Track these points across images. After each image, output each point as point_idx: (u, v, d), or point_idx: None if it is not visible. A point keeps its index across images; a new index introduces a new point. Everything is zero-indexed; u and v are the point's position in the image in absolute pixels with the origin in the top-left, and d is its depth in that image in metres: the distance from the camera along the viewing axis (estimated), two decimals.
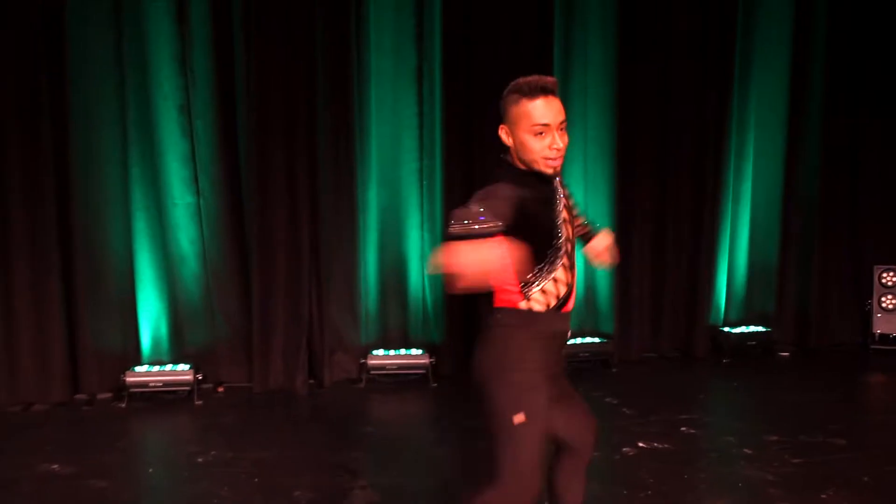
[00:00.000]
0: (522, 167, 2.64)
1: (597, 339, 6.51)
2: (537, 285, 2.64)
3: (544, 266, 2.63)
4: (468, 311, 6.23)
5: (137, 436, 5.03)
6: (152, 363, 5.74)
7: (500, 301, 2.68)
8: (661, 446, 4.58)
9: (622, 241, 5.96)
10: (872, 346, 7.06)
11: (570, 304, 2.74)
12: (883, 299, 7.03)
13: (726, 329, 6.88)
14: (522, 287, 2.64)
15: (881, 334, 7.04)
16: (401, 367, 6.05)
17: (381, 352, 6.11)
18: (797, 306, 7.19)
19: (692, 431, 4.90)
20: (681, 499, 3.88)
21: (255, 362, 5.86)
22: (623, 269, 6.43)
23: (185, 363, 5.73)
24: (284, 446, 4.67)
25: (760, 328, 6.98)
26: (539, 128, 2.56)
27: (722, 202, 6.85)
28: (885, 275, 7.03)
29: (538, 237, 2.61)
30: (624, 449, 4.54)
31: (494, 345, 2.68)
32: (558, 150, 2.59)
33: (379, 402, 5.75)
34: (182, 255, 5.84)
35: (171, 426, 5.28)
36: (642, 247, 6.71)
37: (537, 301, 2.64)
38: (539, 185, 2.65)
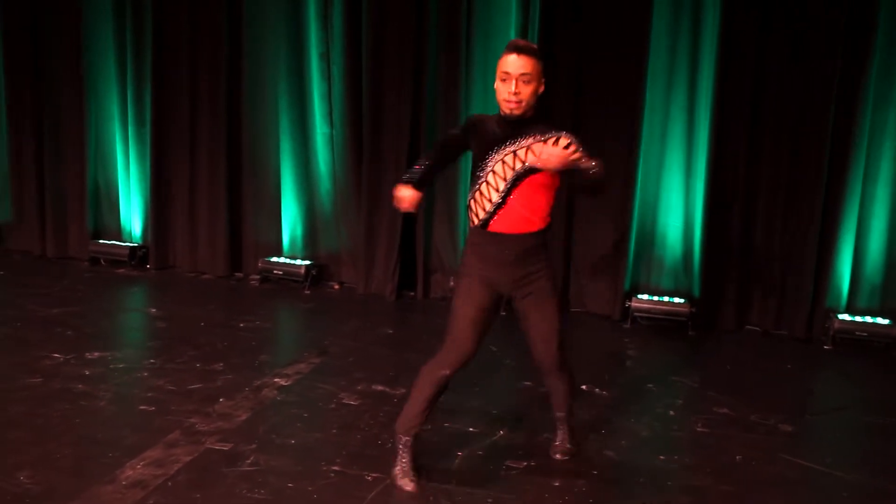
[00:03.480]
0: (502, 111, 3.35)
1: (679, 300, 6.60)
2: (470, 196, 3.45)
3: (474, 184, 3.43)
4: None
5: (224, 302, 6.60)
6: (290, 257, 7.34)
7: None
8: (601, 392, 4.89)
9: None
10: None
11: (500, 228, 3.35)
12: None
13: (840, 316, 6.41)
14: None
15: None
16: None
17: None
18: None
19: (651, 387, 5.09)
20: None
21: (361, 269, 7.15)
22: (722, 239, 6.51)
23: (311, 261, 7.24)
24: (298, 328, 5.94)
25: (885, 321, 6.35)
26: (503, 75, 3.26)
27: (847, 184, 6.30)
28: None
29: (476, 160, 3.42)
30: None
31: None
32: (514, 94, 3.22)
33: (423, 317, 6.60)
34: (318, 175, 7.28)
35: (261, 302, 6.70)
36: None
37: (473, 213, 3.45)
38: (500, 126, 3.35)
